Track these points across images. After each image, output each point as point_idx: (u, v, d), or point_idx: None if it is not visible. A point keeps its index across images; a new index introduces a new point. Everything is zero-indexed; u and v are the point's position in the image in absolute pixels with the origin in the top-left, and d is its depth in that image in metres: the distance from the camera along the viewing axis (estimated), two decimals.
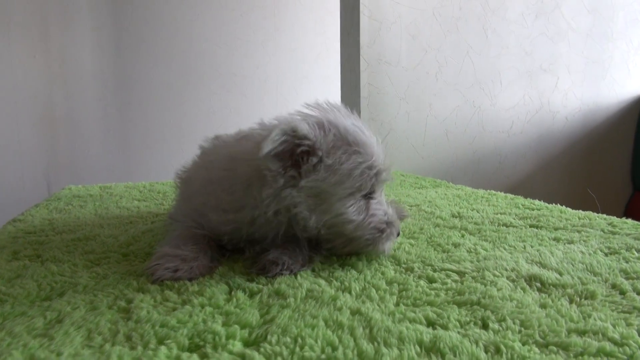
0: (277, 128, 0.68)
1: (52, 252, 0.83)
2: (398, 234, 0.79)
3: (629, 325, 0.52)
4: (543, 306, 0.58)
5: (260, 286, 0.66)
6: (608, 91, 2.41)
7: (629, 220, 1.02)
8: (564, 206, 1.21)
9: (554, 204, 1.22)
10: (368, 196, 0.76)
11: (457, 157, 2.24)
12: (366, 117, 2.08)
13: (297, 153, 0.71)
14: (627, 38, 2.40)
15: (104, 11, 3.12)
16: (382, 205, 0.78)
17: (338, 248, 0.78)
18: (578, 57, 2.35)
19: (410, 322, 0.54)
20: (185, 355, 0.47)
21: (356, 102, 2.09)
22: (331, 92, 3.57)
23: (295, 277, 0.69)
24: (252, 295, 0.64)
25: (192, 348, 0.49)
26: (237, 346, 0.49)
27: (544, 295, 0.62)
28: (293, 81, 3.55)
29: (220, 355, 0.47)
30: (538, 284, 0.65)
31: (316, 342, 0.49)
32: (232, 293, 0.64)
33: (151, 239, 0.93)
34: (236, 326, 0.53)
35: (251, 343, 0.50)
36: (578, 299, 0.60)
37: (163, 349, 0.48)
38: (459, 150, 2.24)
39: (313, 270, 0.73)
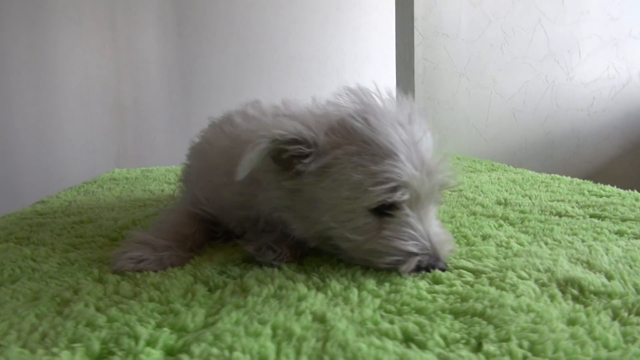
0: (249, 147, 0.56)
1: (42, 235, 0.79)
2: (432, 267, 0.56)
3: None
4: (571, 322, 0.43)
5: (229, 280, 0.57)
6: None
7: None
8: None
9: (629, 190, 1.01)
10: (384, 212, 0.57)
11: (527, 139, 2.01)
12: (421, 96, 1.91)
13: (285, 158, 0.59)
14: None
15: None
16: (408, 227, 0.56)
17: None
18: None
19: (380, 335, 0.41)
20: None
21: (410, 79, 1.93)
22: (394, 71, 3.40)
23: (273, 270, 0.59)
24: (215, 289, 0.54)
25: (103, 354, 0.41)
26: (153, 356, 0.40)
27: (579, 306, 0.46)
28: (354, 62, 3.41)
29: None
30: (575, 291, 0.50)
31: (245, 356, 0.38)
32: (194, 286, 0.55)
33: (150, 222, 0.87)
34: (166, 329, 0.44)
35: (175, 351, 0.41)
36: (626, 315, 0.44)
37: (65, 354, 0.40)
38: (529, 132, 2.01)
39: (300, 263, 0.63)
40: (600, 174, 2.05)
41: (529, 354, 0.38)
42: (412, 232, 0.57)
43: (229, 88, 3.28)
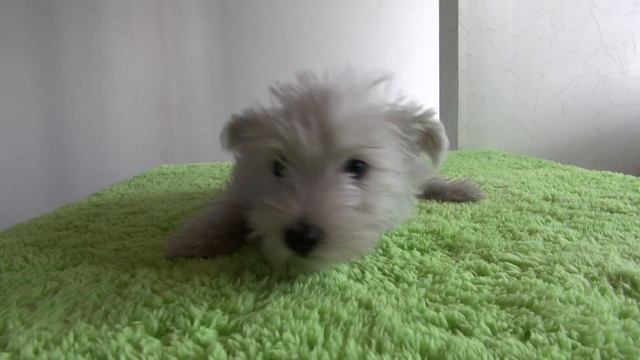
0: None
1: (98, 224, 0.84)
2: (301, 245, 0.47)
3: None
4: (623, 315, 0.42)
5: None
6: None
7: None
8: None
9: None
10: (278, 173, 0.55)
11: (576, 135, 1.94)
12: (465, 92, 1.88)
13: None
14: None
15: None
16: (284, 188, 0.51)
17: None
18: None
19: (425, 322, 0.42)
20: (144, 340, 0.41)
21: (454, 75, 1.90)
22: (437, 68, 3.35)
23: None
24: (262, 276, 0.56)
25: (161, 332, 0.43)
26: (208, 335, 0.42)
27: (631, 300, 0.45)
28: (397, 59, 3.39)
29: (183, 344, 0.40)
30: (627, 285, 0.49)
31: (295, 337, 0.40)
32: (242, 273, 0.57)
33: (198, 214, 0.90)
34: (219, 311, 0.46)
35: (228, 331, 0.43)
36: None
37: (127, 330, 0.42)
38: (579, 128, 1.94)
39: None
40: None
41: (578, 344, 0.37)
42: (286, 191, 0.50)
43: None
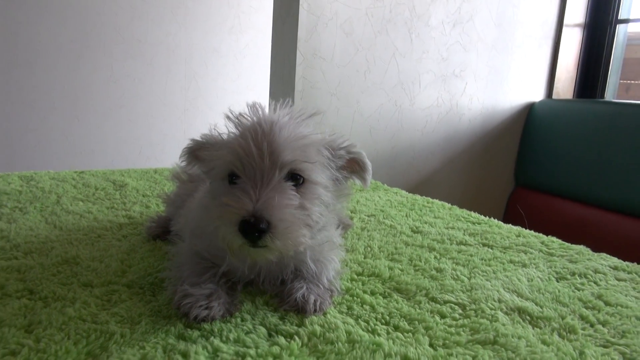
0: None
1: (45, 286, 0.77)
2: (253, 234, 0.63)
3: None
4: (545, 343, 0.70)
5: (295, 327, 0.69)
6: (504, 98, 2.72)
7: (555, 239, 1.21)
8: (493, 218, 1.39)
9: (488, 217, 1.39)
10: (232, 182, 0.70)
11: (378, 152, 2.38)
12: None
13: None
14: (523, 52, 2.71)
15: None
16: (239, 191, 0.67)
17: None
18: (483, 66, 2.60)
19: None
20: None
21: (289, 94, 2.10)
22: (242, 67, 3.50)
23: (325, 315, 0.74)
24: (290, 337, 0.67)
25: None
26: None
27: (538, 330, 0.74)
28: (203, 53, 3.41)
29: None
30: (528, 317, 0.78)
31: None
32: (273, 338, 0.66)
33: (143, 263, 0.89)
34: None
35: None
36: (566, 334, 0.73)
37: None
38: (380, 146, 2.39)
39: (333, 302, 0.78)
40: (426, 182, 2.57)
41: None
42: (240, 194, 0.66)
43: (61, 67, 2.96)
